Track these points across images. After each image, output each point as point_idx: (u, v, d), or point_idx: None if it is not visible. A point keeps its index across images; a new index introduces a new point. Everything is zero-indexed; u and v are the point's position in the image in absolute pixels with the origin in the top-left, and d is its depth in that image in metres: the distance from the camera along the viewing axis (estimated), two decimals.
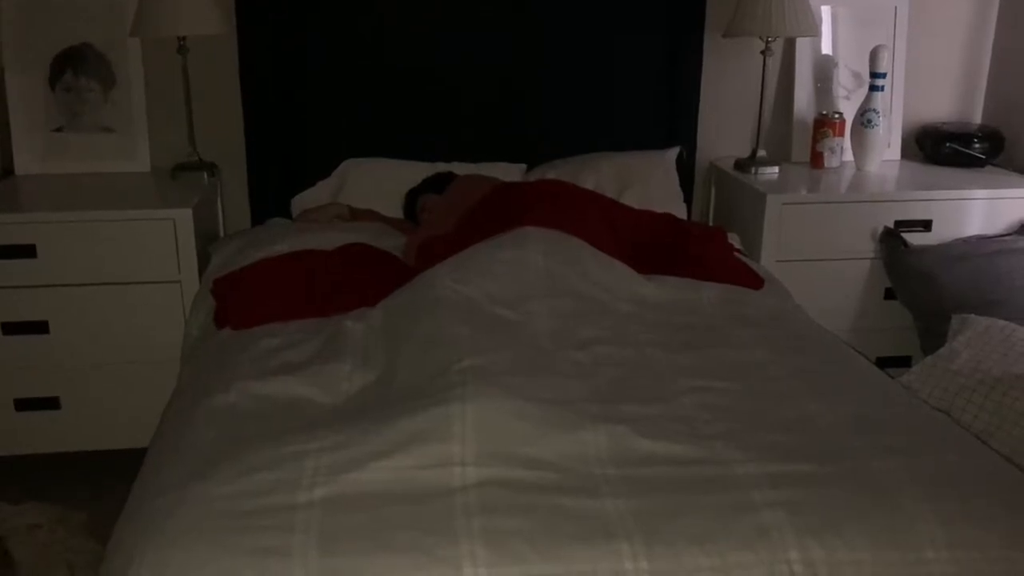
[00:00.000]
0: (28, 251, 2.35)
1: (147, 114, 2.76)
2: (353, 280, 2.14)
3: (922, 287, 2.63)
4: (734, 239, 2.57)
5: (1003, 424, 2.10)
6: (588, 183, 2.65)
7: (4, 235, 2.35)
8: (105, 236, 2.38)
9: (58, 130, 2.73)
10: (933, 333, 2.57)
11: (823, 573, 1.27)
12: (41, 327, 2.41)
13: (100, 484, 2.45)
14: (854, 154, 2.92)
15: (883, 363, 2.55)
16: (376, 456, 1.40)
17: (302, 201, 2.76)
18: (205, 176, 2.73)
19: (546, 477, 1.39)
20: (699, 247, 2.33)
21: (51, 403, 2.47)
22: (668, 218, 2.51)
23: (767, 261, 2.62)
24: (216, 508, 1.31)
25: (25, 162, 2.72)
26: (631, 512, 1.31)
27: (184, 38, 2.61)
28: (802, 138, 2.99)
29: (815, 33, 2.79)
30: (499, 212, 2.30)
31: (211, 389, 1.67)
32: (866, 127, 2.86)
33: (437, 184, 2.65)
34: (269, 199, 2.81)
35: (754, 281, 2.26)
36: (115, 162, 2.76)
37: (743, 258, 2.44)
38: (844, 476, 1.42)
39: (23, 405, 2.47)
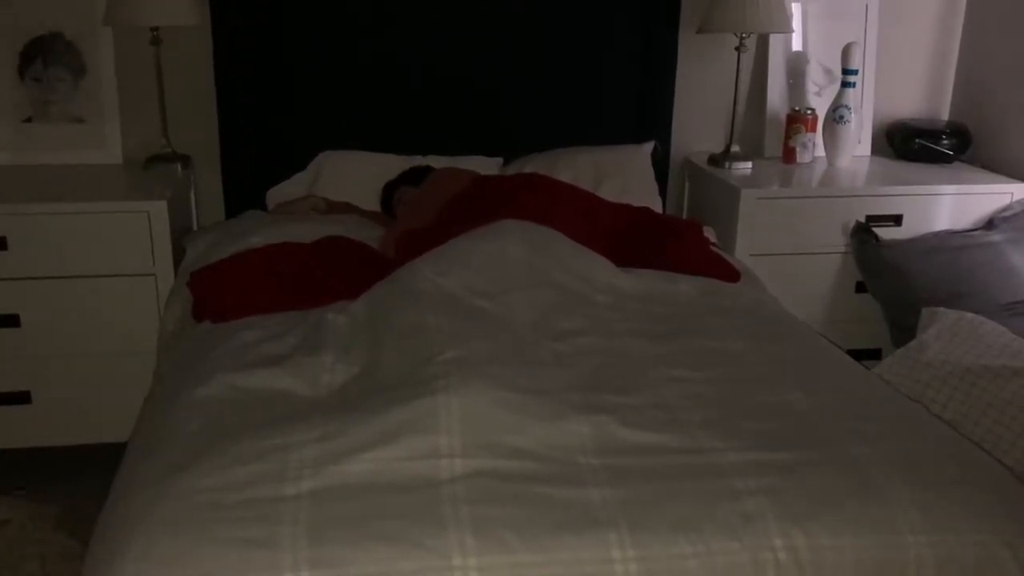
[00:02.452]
0: None
1: (119, 105, 2.73)
2: (332, 273, 2.13)
3: (893, 280, 2.67)
4: (710, 232, 2.60)
5: (970, 413, 2.14)
6: (564, 176, 2.66)
7: None
8: (78, 228, 2.35)
9: (27, 120, 2.69)
10: (903, 326, 2.62)
11: (806, 559, 1.29)
12: (12, 320, 2.38)
13: (72, 478, 2.43)
14: (826, 150, 2.96)
15: (854, 355, 2.54)
16: (362, 448, 1.39)
17: (278, 194, 2.75)
18: (179, 168, 2.70)
19: (532, 467, 1.40)
20: (676, 240, 2.35)
21: (22, 397, 2.44)
22: (645, 211, 2.53)
23: (741, 254, 2.65)
24: (201, 500, 1.30)
25: None
26: (617, 501, 1.32)
27: (157, 28, 2.58)
28: (775, 133, 3.03)
29: (788, 29, 2.82)
30: (478, 205, 2.31)
31: (192, 382, 1.65)
32: (838, 123, 2.90)
33: (414, 177, 2.65)
34: (244, 191, 2.79)
35: (730, 274, 2.28)
36: (86, 153, 2.73)
37: (719, 251, 2.46)
38: (824, 463, 1.44)
39: None
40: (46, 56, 2.67)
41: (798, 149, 2.94)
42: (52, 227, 2.34)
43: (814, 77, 3.05)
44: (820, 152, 2.98)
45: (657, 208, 2.78)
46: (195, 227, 2.81)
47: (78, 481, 2.39)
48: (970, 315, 2.40)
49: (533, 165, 2.76)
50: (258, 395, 1.62)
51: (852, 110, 2.88)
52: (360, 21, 2.75)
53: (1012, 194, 2.80)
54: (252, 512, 1.28)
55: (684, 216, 3.05)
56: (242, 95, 2.74)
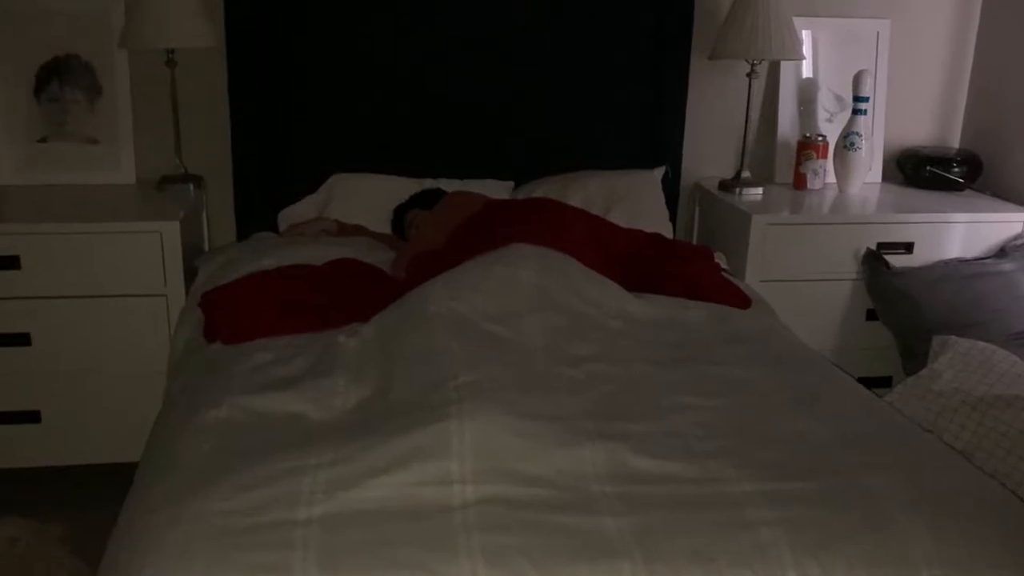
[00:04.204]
0: (11, 262, 2.33)
1: (133, 125, 2.75)
2: (343, 295, 2.13)
3: (904, 308, 2.67)
4: (720, 259, 2.60)
5: (984, 443, 2.13)
6: (575, 201, 2.67)
7: None
8: (91, 248, 2.36)
9: (42, 140, 2.71)
10: (914, 354, 2.61)
11: None
12: (23, 339, 2.38)
13: (80, 498, 2.42)
14: (836, 176, 2.96)
15: (865, 383, 2.53)
16: (374, 473, 1.39)
17: (289, 215, 2.76)
18: (191, 188, 2.71)
19: (545, 494, 1.39)
20: (687, 266, 2.35)
21: (32, 416, 2.44)
22: (656, 237, 2.53)
23: (752, 281, 2.65)
24: (214, 524, 1.29)
25: (8, 172, 2.69)
26: (631, 530, 1.32)
27: (173, 50, 2.60)
28: (785, 159, 3.03)
29: (799, 56, 2.84)
30: (490, 229, 2.31)
31: (204, 403, 1.65)
32: (849, 150, 2.90)
33: (425, 200, 2.65)
34: (255, 213, 2.80)
35: (741, 300, 2.28)
36: (100, 173, 2.74)
37: (730, 278, 2.46)
38: (838, 493, 1.43)
39: (2, 419, 2.43)
40: (62, 77, 2.69)
41: (809, 175, 2.94)
42: (65, 247, 2.35)
43: (825, 104, 3.06)
44: (831, 178, 2.98)
45: (668, 233, 2.78)
46: (207, 248, 2.82)
47: (87, 501, 2.39)
48: (982, 344, 2.39)
49: (544, 189, 2.77)
50: (270, 418, 1.62)
51: (863, 137, 2.88)
52: (373, 46, 2.77)
53: None
54: (264, 537, 1.28)
55: (694, 241, 3.05)
56: (255, 117, 2.76)
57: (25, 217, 2.42)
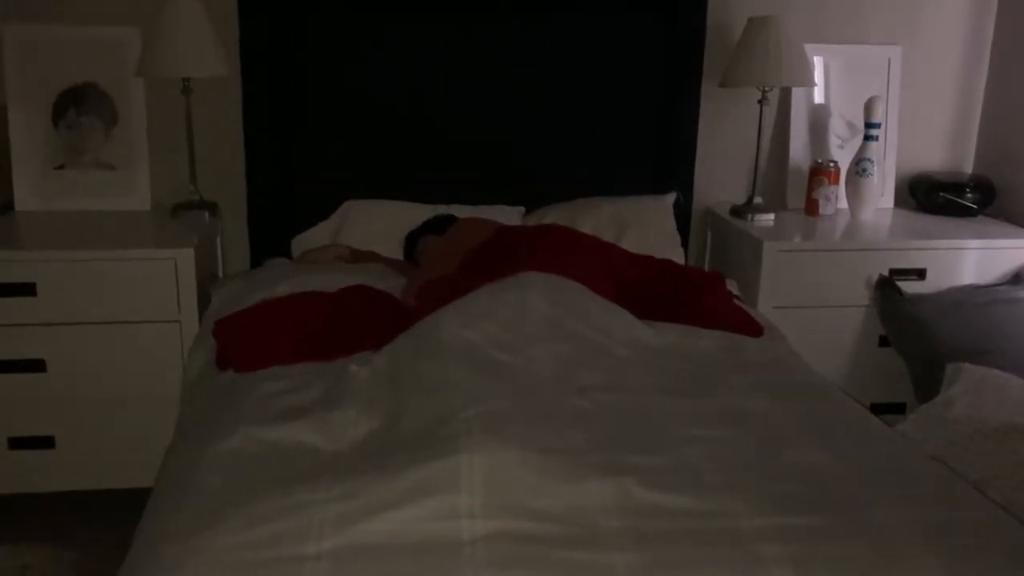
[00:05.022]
0: (28, 289, 2.35)
1: (148, 152, 2.78)
2: (355, 323, 2.14)
3: (917, 335, 2.65)
4: (732, 285, 2.59)
5: (1000, 474, 2.11)
6: (586, 227, 2.68)
7: (4, 273, 2.34)
8: (106, 275, 2.38)
9: (60, 167, 2.74)
10: (928, 381, 2.59)
11: None
12: (38, 365, 2.40)
13: (94, 524, 2.44)
14: (849, 202, 2.96)
15: (878, 410, 2.56)
16: (383, 507, 1.39)
17: (302, 242, 2.77)
18: (206, 215, 2.73)
19: (554, 529, 1.39)
20: (699, 294, 2.35)
21: (46, 442, 2.45)
22: (667, 264, 2.52)
23: (764, 307, 2.64)
24: (224, 559, 1.30)
25: (26, 198, 2.73)
26: (640, 566, 1.31)
27: (188, 79, 2.64)
28: (797, 185, 3.03)
29: (810, 83, 2.84)
30: (500, 256, 2.32)
31: (216, 433, 1.66)
32: (861, 176, 2.90)
33: (437, 226, 2.67)
34: (269, 239, 2.82)
35: (753, 328, 2.27)
36: (115, 199, 2.77)
37: (742, 305, 2.45)
38: (849, 529, 1.42)
39: (17, 444, 2.45)
40: (80, 105, 2.73)
41: (821, 201, 2.94)
42: (80, 273, 2.37)
43: (837, 130, 3.06)
44: (843, 204, 2.98)
45: (679, 259, 2.78)
46: (220, 274, 2.84)
47: (100, 527, 2.40)
48: (996, 371, 2.38)
49: (554, 215, 2.78)
50: (281, 449, 1.62)
51: (875, 163, 2.88)
52: (385, 74, 2.80)
53: None
54: (273, 572, 1.28)
55: (706, 267, 3.05)
56: (269, 144, 2.79)
57: (41, 244, 2.45)
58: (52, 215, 2.70)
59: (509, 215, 2.82)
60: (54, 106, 2.72)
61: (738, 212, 2.92)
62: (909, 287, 2.71)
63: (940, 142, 3.18)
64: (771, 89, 2.83)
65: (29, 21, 2.68)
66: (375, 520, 1.37)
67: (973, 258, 2.76)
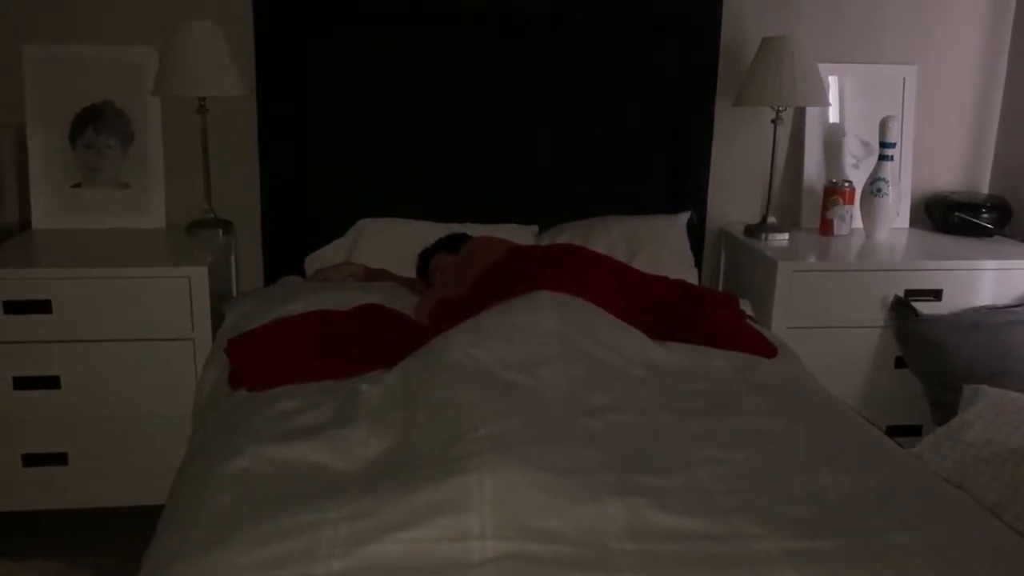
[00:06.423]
0: (43, 306, 2.36)
1: (164, 171, 2.80)
2: (368, 341, 2.14)
3: (933, 356, 2.63)
4: (746, 306, 2.58)
5: (1017, 497, 2.09)
6: (599, 246, 2.67)
7: (20, 290, 2.35)
8: (121, 293, 2.39)
9: (76, 185, 2.76)
10: (944, 403, 2.57)
11: None
12: (52, 382, 2.41)
13: (106, 541, 2.44)
14: (863, 222, 2.94)
15: (893, 432, 2.54)
16: (393, 528, 1.39)
17: (316, 260, 2.78)
18: (220, 233, 2.75)
19: (564, 551, 1.38)
20: (712, 314, 2.34)
21: (59, 459, 2.46)
22: (681, 284, 2.52)
23: (778, 328, 2.63)
24: None
25: (42, 217, 2.75)
26: None
27: (204, 98, 2.66)
28: (811, 205, 3.02)
29: (824, 103, 2.84)
30: (513, 275, 2.32)
31: (227, 452, 1.66)
32: (876, 195, 2.89)
33: (450, 245, 2.67)
34: (283, 257, 2.83)
35: (767, 349, 2.26)
36: (131, 217, 2.79)
37: (755, 326, 2.44)
38: (863, 553, 1.41)
39: (31, 460, 2.45)
40: (97, 124, 2.75)
41: (835, 221, 2.93)
42: (95, 291, 2.38)
43: (851, 149, 3.05)
44: (858, 224, 2.96)
45: (692, 279, 2.77)
46: (234, 292, 2.85)
47: (112, 543, 2.40)
48: (1014, 394, 2.35)
49: (568, 234, 2.78)
50: (292, 468, 1.62)
51: (890, 183, 2.87)
52: (398, 93, 2.81)
53: None
54: None
55: (720, 287, 3.04)
56: (283, 163, 2.80)
57: (57, 262, 2.46)
58: (68, 233, 2.72)
59: (523, 234, 2.83)
60: (72, 125, 2.75)
61: (752, 232, 2.91)
62: (925, 308, 2.69)
63: (956, 162, 3.17)
64: (785, 109, 2.82)
65: (48, 41, 2.71)
66: (385, 540, 1.37)
67: (990, 278, 2.74)
